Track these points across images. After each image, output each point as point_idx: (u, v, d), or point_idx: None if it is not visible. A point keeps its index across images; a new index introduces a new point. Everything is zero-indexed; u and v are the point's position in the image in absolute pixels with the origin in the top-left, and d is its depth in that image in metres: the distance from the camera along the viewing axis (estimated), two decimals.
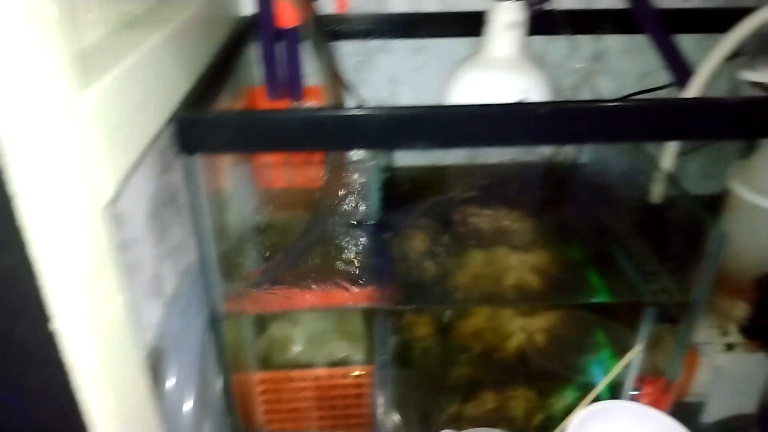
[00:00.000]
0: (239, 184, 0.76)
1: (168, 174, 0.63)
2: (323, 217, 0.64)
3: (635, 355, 0.78)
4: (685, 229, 0.74)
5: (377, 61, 0.92)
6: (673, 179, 0.76)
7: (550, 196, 0.93)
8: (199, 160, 0.56)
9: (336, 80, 0.57)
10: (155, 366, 0.61)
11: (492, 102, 0.54)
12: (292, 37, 0.77)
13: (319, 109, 0.52)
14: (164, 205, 0.63)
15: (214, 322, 0.65)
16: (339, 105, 0.58)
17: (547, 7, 0.81)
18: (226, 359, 0.67)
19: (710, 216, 0.68)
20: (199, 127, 0.50)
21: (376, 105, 0.88)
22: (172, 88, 0.53)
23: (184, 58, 0.57)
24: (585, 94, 0.96)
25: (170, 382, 0.61)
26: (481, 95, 0.69)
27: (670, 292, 0.76)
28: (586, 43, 0.93)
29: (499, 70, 0.70)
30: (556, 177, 0.95)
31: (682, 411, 0.83)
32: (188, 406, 0.62)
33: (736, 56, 0.81)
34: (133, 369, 0.49)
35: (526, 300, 0.82)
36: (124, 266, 0.53)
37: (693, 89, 0.75)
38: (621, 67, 0.95)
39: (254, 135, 0.51)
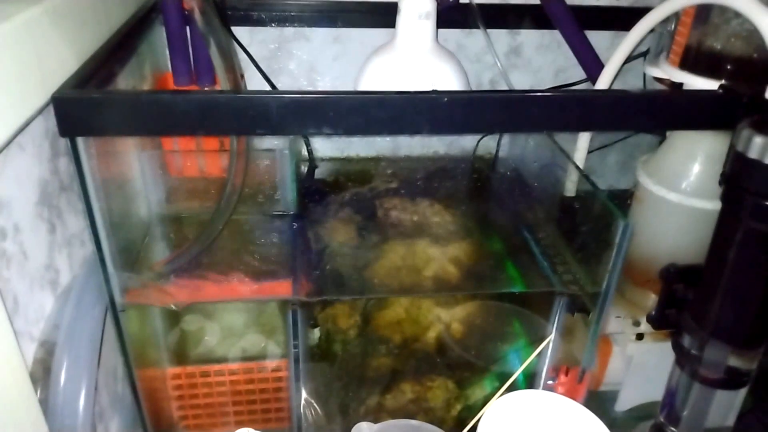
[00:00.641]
0: (146, 171, 0.73)
1: (60, 159, 0.60)
2: (228, 207, 0.62)
3: (548, 344, 0.79)
4: (595, 221, 0.76)
5: (294, 49, 0.90)
6: (583, 173, 0.77)
7: (470, 189, 0.94)
8: (89, 144, 0.53)
9: (232, 67, 0.55)
10: (46, 359, 0.58)
11: (391, 90, 0.54)
12: None
13: (210, 92, 0.50)
14: (57, 192, 0.60)
15: (113, 314, 0.62)
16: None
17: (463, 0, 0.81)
18: (128, 353, 0.65)
19: (618, 208, 0.69)
20: (80, 108, 0.48)
21: None
22: (55, 67, 0.51)
23: (72, 35, 0.54)
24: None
25: (62, 376, 0.58)
26: (391, 86, 0.69)
27: (581, 283, 0.77)
28: (502, 37, 0.94)
29: (410, 62, 0.69)
30: (476, 170, 0.96)
31: (597, 400, 0.85)
32: (82, 400, 0.59)
33: (645, 54, 0.83)
34: (8, 362, 0.47)
35: (445, 290, 0.83)
36: (4, 254, 0.50)
37: (602, 84, 0.77)
38: (537, 63, 0.96)
39: (142, 117, 0.49)
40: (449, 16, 0.83)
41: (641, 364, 0.83)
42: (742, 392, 0.67)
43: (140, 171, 0.72)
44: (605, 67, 0.78)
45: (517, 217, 0.90)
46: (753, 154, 0.56)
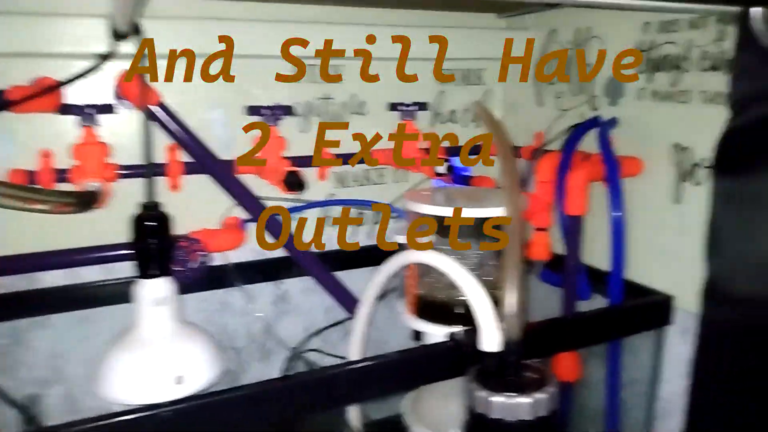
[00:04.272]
0: None
1: None
2: None
3: None
4: None
5: (32, 340, 0.83)
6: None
7: None
8: None
9: None
10: None
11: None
12: None
13: None
14: None
15: None
16: None
17: (208, 264, 0.82)
18: None
19: None
20: None
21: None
22: None
23: None
24: (271, 340, 0.99)
25: None
26: (132, 383, 0.64)
27: None
28: (268, 288, 0.95)
29: (150, 352, 0.66)
30: None
31: None
32: None
33: (392, 291, 0.89)
34: None
35: None
36: None
37: (360, 319, 0.79)
38: (306, 306, 0.98)
39: None
40: (208, 276, 0.83)
41: None
42: None
43: None
44: (360, 306, 0.81)
45: None
46: (479, 409, 0.58)
